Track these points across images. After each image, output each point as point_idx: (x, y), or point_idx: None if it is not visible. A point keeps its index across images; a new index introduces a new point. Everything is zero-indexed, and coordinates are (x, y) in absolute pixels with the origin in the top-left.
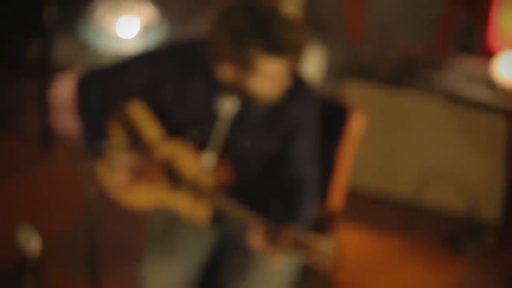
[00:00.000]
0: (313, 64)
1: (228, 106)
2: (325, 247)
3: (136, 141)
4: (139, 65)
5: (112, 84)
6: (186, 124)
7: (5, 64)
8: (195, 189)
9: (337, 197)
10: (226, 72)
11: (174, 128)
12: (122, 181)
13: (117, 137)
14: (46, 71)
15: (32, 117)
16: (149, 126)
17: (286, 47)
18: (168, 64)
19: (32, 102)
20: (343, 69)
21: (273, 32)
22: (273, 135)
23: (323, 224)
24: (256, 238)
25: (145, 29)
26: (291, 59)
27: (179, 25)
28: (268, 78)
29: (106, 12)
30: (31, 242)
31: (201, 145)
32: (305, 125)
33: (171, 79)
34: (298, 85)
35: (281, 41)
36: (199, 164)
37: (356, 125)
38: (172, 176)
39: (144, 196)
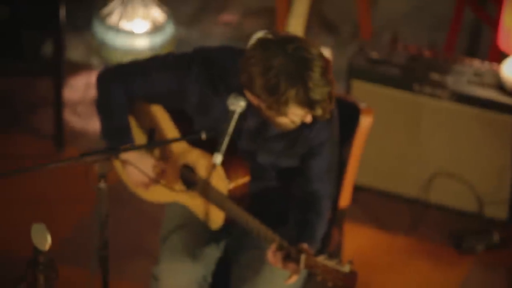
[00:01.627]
0: None
1: (236, 106)
2: (339, 268)
3: (152, 142)
4: (167, 70)
5: (135, 83)
6: (204, 130)
7: (20, 64)
8: (208, 195)
9: (345, 195)
10: (251, 98)
11: (191, 132)
12: (138, 182)
13: (134, 136)
14: (60, 71)
15: (46, 116)
16: (167, 129)
17: (318, 102)
18: (196, 75)
19: (46, 102)
20: (350, 70)
21: (309, 87)
22: (291, 154)
23: (330, 223)
24: (271, 255)
25: (154, 31)
26: (320, 109)
27: (187, 28)
28: (292, 119)
29: (118, 12)
30: (44, 239)
31: (216, 150)
32: (325, 145)
33: (196, 89)
34: None
35: (314, 96)
36: (214, 170)
37: (366, 124)
38: (188, 180)
39: (161, 195)
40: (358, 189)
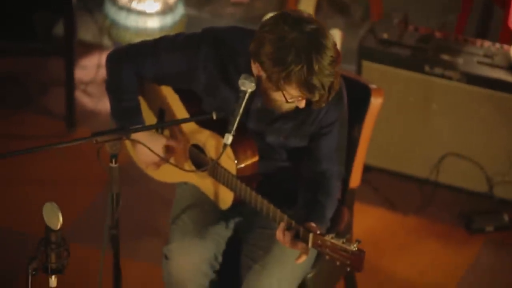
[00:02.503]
0: None
1: (247, 86)
2: (347, 247)
3: (163, 122)
4: (176, 50)
5: (145, 64)
6: (212, 110)
7: (31, 45)
8: (217, 175)
9: (355, 175)
10: (253, 67)
11: (200, 112)
12: (148, 162)
13: (144, 117)
14: (72, 51)
15: (58, 97)
16: (176, 110)
17: (317, 88)
18: (206, 55)
19: (58, 82)
20: (360, 51)
21: (313, 69)
22: (299, 134)
23: (340, 203)
24: (280, 234)
25: (165, 11)
26: (316, 96)
27: (198, 9)
28: (287, 98)
29: None
30: (56, 218)
31: (226, 130)
32: (334, 125)
33: (205, 69)
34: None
35: (315, 81)
36: (223, 150)
37: (376, 104)
38: (197, 160)
39: (171, 175)
40: (368, 169)
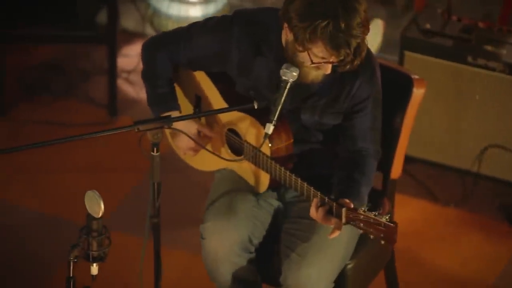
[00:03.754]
0: (372, 38)
1: (288, 75)
2: (380, 219)
3: (198, 109)
4: (209, 33)
5: (179, 50)
6: (248, 93)
7: (74, 32)
8: (254, 159)
9: (396, 166)
10: (283, 35)
11: (235, 97)
12: (186, 148)
13: (180, 104)
14: (114, 40)
15: (100, 85)
16: (211, 95)
17: (342, 46)
18: (238, 34)
19: (100, 70)
20: (403, 42)
21: (340, 26)
22: (334, 111)
23: (382, 192)
24: (313, 210)
25: (207, 1)
26: (342, 54)
27: None
28: (313, 59)
29: None
30: (97, 206)
31: (261, 114)
32: (367, 101)
33: (238, 48)
34: (367, 63)
35: (340, 39)
36: (259, 134)
37: (418, 95)
38: (234, 145)
39: (208, 162)
40: (409, 160)
